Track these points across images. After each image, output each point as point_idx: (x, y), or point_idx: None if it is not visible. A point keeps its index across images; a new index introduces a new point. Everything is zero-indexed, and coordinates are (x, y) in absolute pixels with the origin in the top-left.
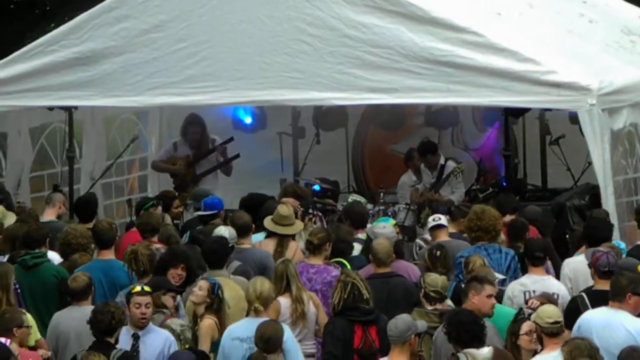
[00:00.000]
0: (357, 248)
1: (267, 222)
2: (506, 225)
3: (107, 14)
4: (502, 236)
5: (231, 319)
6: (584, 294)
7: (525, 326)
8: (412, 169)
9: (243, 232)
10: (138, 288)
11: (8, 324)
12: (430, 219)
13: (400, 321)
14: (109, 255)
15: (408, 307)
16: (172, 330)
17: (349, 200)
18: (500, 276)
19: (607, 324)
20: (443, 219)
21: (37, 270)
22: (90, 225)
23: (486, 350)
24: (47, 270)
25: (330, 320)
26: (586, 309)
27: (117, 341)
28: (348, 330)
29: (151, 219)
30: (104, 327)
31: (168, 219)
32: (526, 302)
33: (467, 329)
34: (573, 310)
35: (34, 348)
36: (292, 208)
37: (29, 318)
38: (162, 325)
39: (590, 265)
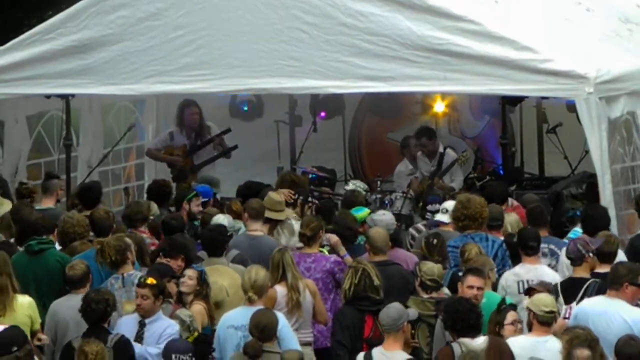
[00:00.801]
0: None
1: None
2: (525, 212)
3: (104, 2)
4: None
5: (230, 307)
6: (559, 283)
7: (510, 316)
8: (407, 158)
9: (256, 217)
10: (142, 279)
11: None
12: (442, 208)
13: (393, 310)
14: None
15: (405, 295)
16: (182, 321)
17: (350, 185)
18: None
19: (603, 312)
20: (447, 215)
21: (41, 256)
22: None
23: (481, 340)
24: (52, 256)
25: (340, 309)
26: (557, 297)
27: (108, 325)
28: (358, 319)
29: (140, 208)
30: (99, 315)
31: (155, 208)
32: (526, 292)
33: (462, 318)
34: None
35: (35, 332)
36: (283, 195)
37: (30, 303)
38: (172, 315)
39: None
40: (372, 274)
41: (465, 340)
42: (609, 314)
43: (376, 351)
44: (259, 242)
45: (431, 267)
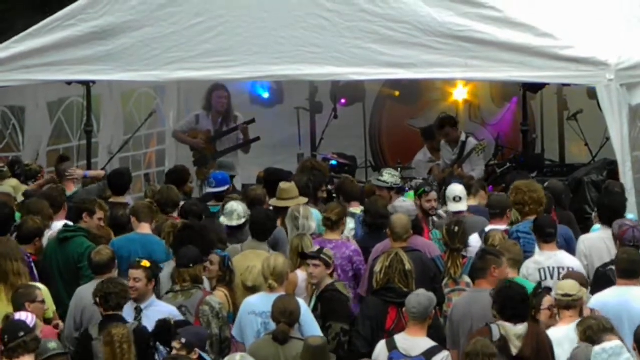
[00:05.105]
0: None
1: (273, 201)
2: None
3: None
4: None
5: None
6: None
7: (546, 301)
8: (428, 146)
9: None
10: (136, 261)
11: (21, 299)
12: (452, 197)
13: (423, 298)
14: (147, 229)
15: (425, 281)
16: (212, 308)
17: (385, 174)
18: None
19: (619, 302)
20: (463, 202)
21: (67, 244)
22: (123, 199)
23: (521, 326)
24: (74, 245)
25: (365, 299)
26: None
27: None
28: (381, 310)
29: (171, 193)
30: (113, 304)
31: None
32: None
33: (513, 306)
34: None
35: (50, 320)
36: (293, 183)
37: (44, 291)
38: (202, 302)
39: (615, 238)
40: (405, 259)
41: (506, 324)
42: (623, 303)
43: (400, 337)
44: None
45: None
